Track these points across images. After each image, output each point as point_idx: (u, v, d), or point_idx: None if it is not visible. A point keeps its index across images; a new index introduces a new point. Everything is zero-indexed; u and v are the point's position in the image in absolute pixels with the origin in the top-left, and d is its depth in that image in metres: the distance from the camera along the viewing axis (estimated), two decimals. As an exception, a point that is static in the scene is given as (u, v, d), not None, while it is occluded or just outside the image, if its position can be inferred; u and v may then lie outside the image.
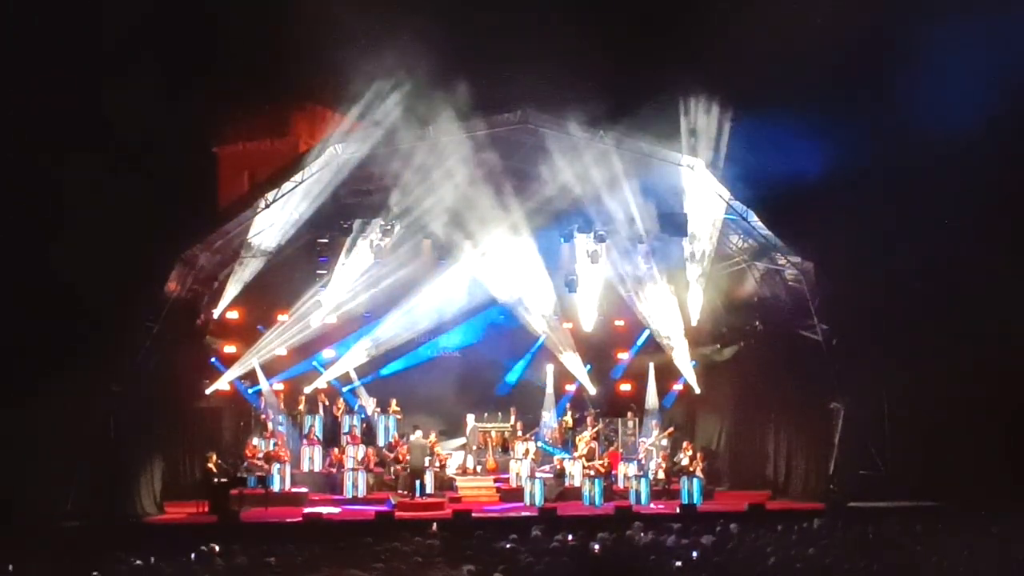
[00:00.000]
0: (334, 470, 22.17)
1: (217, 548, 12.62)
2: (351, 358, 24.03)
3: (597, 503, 20.76)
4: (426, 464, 21.26)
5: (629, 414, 25.04)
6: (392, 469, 22.03)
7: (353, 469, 21.53)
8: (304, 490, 21.40)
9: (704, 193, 20.97)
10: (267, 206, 19.56)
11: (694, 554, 12.38)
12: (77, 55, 17.31)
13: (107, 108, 18.00)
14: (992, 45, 19.22)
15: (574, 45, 18.15)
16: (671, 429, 23.80)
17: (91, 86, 17.82)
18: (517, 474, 22.02)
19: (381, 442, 23.35)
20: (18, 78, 17.18)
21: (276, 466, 21.23)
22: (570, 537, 13.53)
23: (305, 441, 22.69)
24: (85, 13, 17.26)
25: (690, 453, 22.27)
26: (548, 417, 24.93)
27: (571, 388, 25.61)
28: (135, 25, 17.74)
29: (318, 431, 23.06)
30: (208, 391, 22.21)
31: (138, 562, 11.76)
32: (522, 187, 21.26)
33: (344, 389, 24.55)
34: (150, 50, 18.04)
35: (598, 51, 18.47)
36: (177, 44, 18.49)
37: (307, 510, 19.02)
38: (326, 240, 20.93)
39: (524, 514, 19.31)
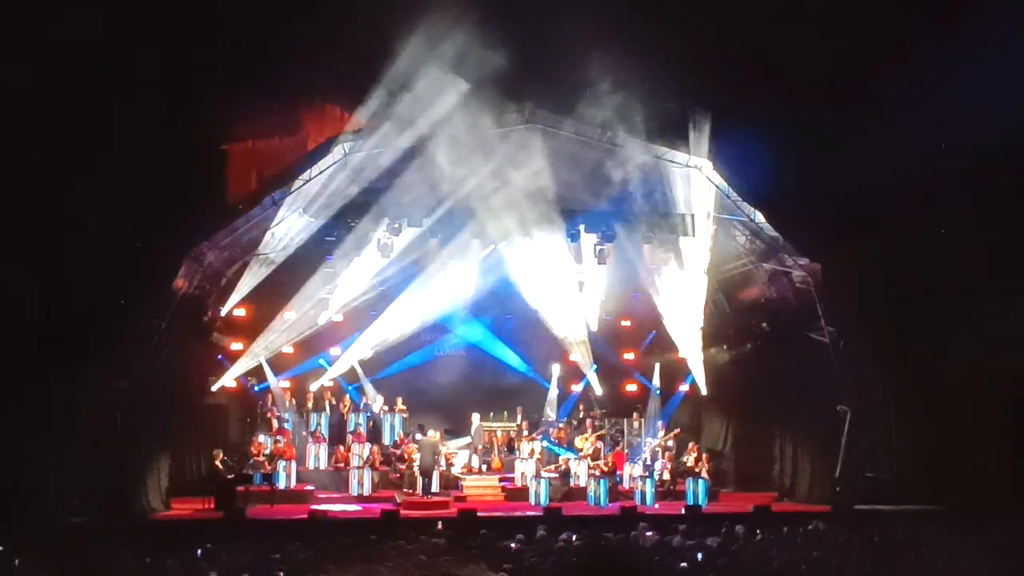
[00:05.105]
0: (341, 465, 22.21)
1: (222, 545, 12.67)
2: (357, 355, 24.06)
3: (602, 503, 20.74)
4: (434, 463, 21.28)
5: (634, 415, 25.05)
6: (397, 467, 22.08)
7: (358, 467, 21.56)
8: (310, 487, 21.44)
9: (711, 193, 20.94)
10: (275, 204, 19.61)
11: (699, 555, 12.41)
12: (81, 53, 17.27)
13: (114, 104, 18.01)
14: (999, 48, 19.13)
15: (581, 44, 18.11)
16: (677, 430, 23.77)
17: (97, 83, 17.81)
18: (522, 474, 22.05)
19: (387, 440, 23.41)
20: (23, 75, 17.18)
21: (282, 463, 21.29)
22: (575, 537, 13.53)
23: (311, 438, 22.76)
24: (88, 11, 17.23)
25: (695, 454, 22.26)
26: (551, 416, 24.96)
27: (577, 388, 25.66)
28: (141, 23, 17.72)
29: (324, 429, 23.10)
30: (214, 388, 22.28)
31: (144, 558, 11.80)
32: (529, 186, 21.24)
33: (350, 387, 24.63)
34: (158, 47, 18.02)
35: (605, 50, 18.42)
36: (187, 40, 18.45)
37: (313, 507, 19.05)
38: (333, 238, 20.92)
39: (529, 513, 19.30)
